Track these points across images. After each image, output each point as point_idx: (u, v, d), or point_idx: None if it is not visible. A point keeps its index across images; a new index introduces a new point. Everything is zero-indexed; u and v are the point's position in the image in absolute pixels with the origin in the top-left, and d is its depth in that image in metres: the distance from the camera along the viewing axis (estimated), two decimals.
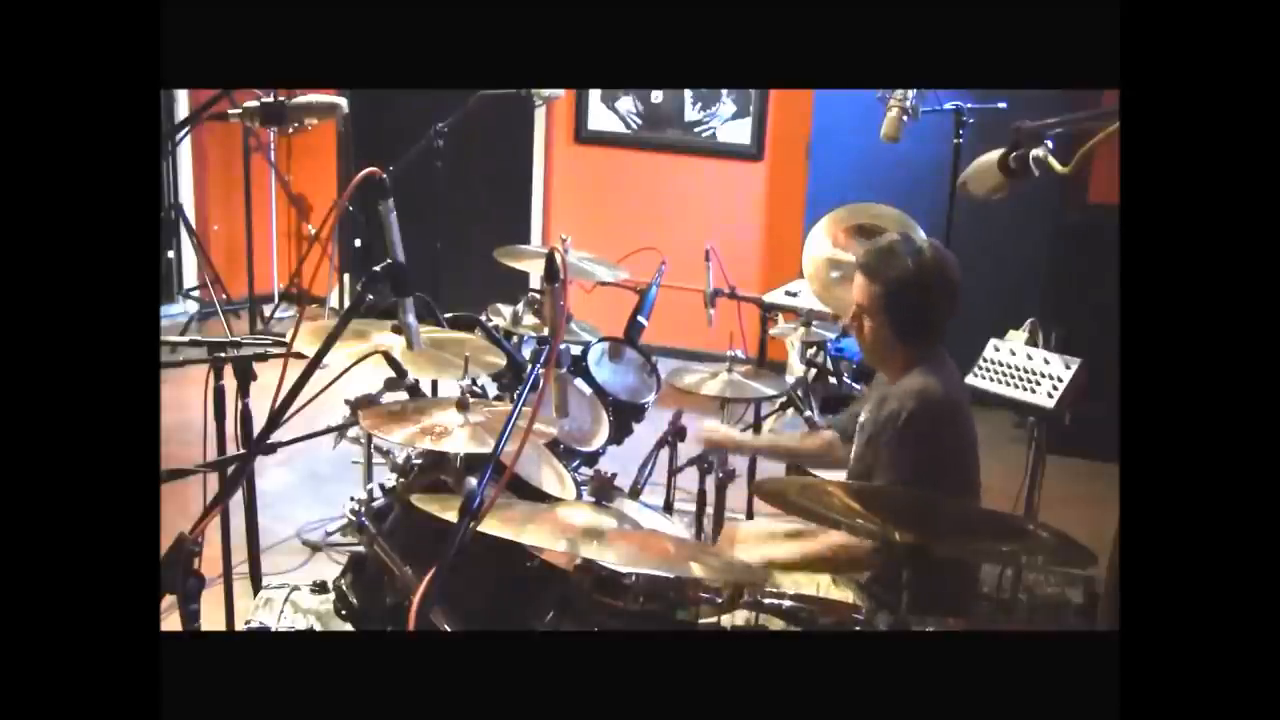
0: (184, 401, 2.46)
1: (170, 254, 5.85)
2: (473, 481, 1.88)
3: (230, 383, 2.35)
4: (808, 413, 3.26)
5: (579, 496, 2.40)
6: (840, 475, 2.84)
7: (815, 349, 3.61)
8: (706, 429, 2.88)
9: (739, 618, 2.05)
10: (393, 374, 2.13)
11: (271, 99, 2.29)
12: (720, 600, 2.01)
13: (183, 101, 5.73)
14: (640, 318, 3.23)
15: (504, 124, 5.57)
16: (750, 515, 3.51)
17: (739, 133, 5.55)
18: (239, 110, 2.31)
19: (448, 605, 1.85)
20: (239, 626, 2.38)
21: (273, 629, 2.20)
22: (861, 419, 2.42)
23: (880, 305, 2.24)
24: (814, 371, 3.59)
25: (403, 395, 2.18)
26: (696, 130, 5.62)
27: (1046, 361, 2.76)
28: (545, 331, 2.69)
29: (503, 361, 2.41)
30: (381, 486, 2.22)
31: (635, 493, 3.05)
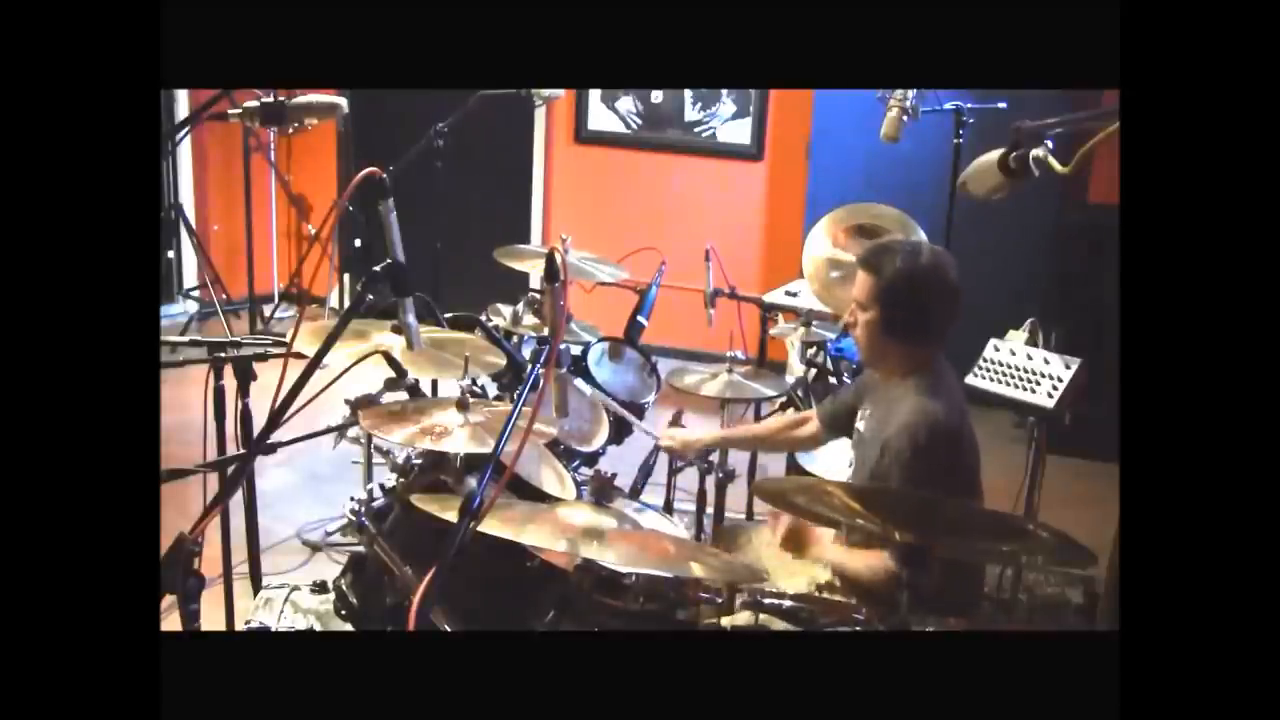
0: (184, 401, 2.46)
1: (170, 254, 5.85)
2: (473, 481, 1.88)
3: (230, 383, 2.35)
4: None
5: (579, 496, 2.40)
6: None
7: (815, 349, 3.61)
8: (664, 435, 2.88)
9: (739, 618, 2.05)
10: (393, 374, 2.13)
11: (271, 99, 2.29)
12: (720, 600, 2.01)
13: (183, 101, 5.73)
14: (640, 318, 3.23)
15: (504, 124, 5.57)
16: (750, 515, 3.52)
17: (739, 133, 5.55)
18: (239, 110, 2.31)
19: (448, 605, 1.85)
20: (239, 626, 2.38)
21: (273, 629, 2.20)
22: (860, 427, 2.40)
23: (874, 300, 2.23)
24: (814, 371, 3.59)
25: (403, 395, 2.18)
26: (696, 130, 5.62)
27: (1046, 361, 2.77)
28: (545, 331, 2.70)
29: (503, 361, 2.41)
30: (381, 486, 2.22)
31: (635, 493, 3.06)
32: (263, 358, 2.34)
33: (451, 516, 1.75)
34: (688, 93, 5.59)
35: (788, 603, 1.98)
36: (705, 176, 5.64)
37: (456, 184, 4.22)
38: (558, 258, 1.78)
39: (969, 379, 2.85)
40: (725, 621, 2.06)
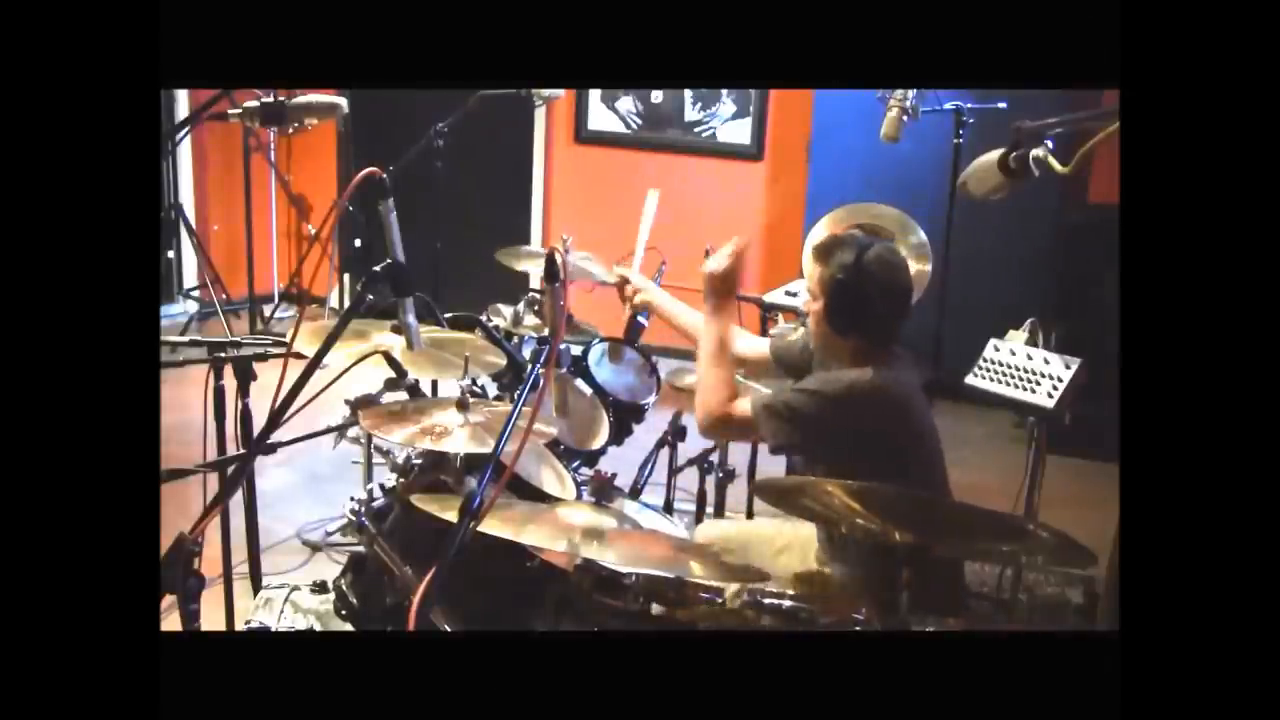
0: (184, 401, 2.46)
1: (170, 254, 5.85)
2: (473, 481, 1.88)
3: (230, 383, 2.34)
4: None
5: (579, 496, 2.40)
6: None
7: None
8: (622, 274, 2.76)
9: (739, 618, 2.05)
10: (393, 374, 2.13)
11: (271, 99, 2.30)
12: (720, 600, 2.01)
13: (183, 101, 5.73)
14: (640, 318, 3.23)
15: (504, 124, 5.57)
16: (750, 515, 3.51)
17: (739, 133, 5.55)
18: (239, 110, 2.31)
19: (448, 605, 1.85)
20: (239, 626, 2.38)
21: (273, 629, 2.20)
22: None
23: (819, 291, 2.25)
24: None
25: (403, 395, 2.18)
26: (696, 130, 5.61)
27: (1046, 361, 2.76)
28: (545, 331, 2.69)
29: (503, 361, 2.41)
30: (381, 486, 2.22)
31: (635, 493, 3.06)
32: (263, 358, 2.34)
33: (451, 516, 1.75)
34: (688, 93, 5.59)
35: (788, 603, 1.97)
36: (705, 176, 5.64)
37: (456, 184, 4.22)
38: (558, 258, 1.78)
39: (969, 379, 2.85)
40: (725, 621, 2.06)
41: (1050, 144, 1.85)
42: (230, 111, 2.34)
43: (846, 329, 2.25)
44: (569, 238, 3.21)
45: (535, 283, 3.56)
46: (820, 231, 3.25)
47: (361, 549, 2.11)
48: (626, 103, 5.69)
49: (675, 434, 3.12)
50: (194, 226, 5.73)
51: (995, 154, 1.96)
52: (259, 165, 5.88)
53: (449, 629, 1.84)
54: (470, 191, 5.60)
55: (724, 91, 5.53)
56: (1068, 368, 2.72)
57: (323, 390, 1.69)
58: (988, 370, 2.85)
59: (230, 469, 2.20)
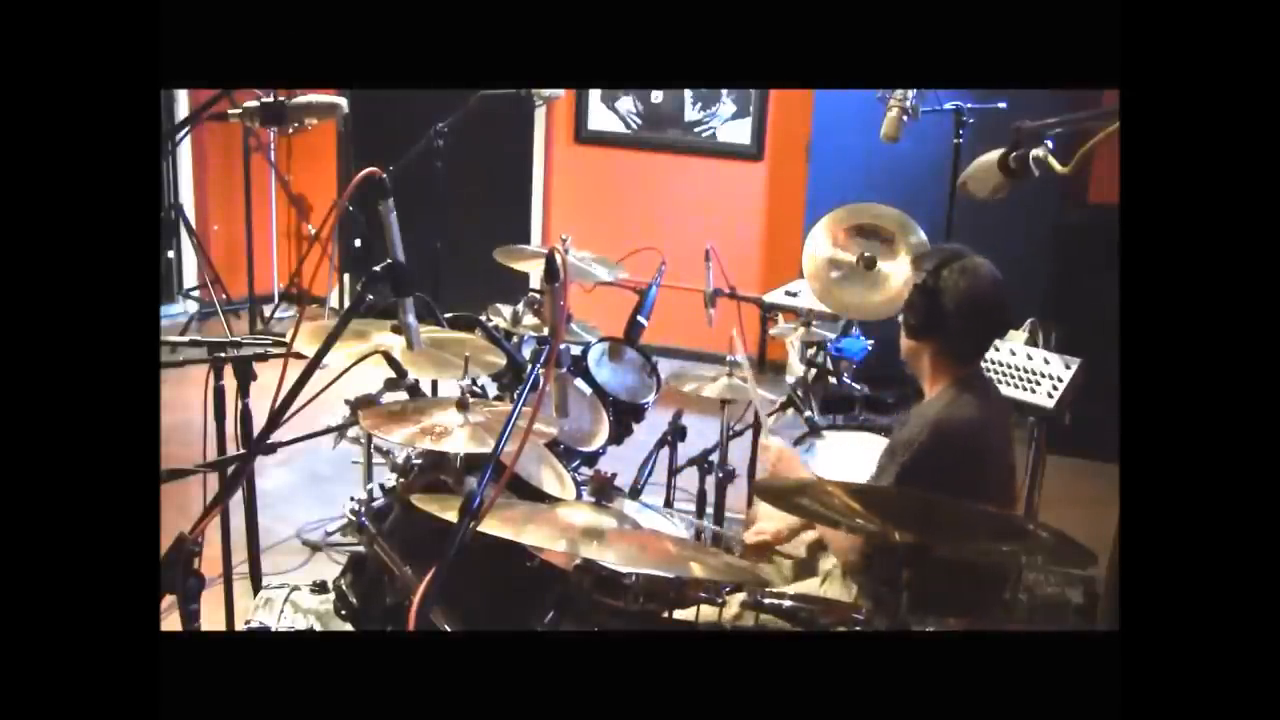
0: (184, 401, 2.46)
1: (170, 254, 5.85)
2: (473, 481, 1.88)
3: (230, 383, 2.35)
4: (807, 413, 3.26)
5: (579, 496, 2.40)
6: None
7: (815, 349, 3.61)
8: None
9: (739, 618, 2.05)
10: (393, 374, 2.13)
11: (271, 99, 2.29)
12: (720, 600, 2.01)
13: (183, 101, 5.73)
14: (640, 318, 3.23)
15: (504, 124, 5.57)
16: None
17: (739, 133, 5.55)
18: (239, 110, 2.31)
19: (448, 605, 1.85)
20: (239, 626, 2.38)
21: (273, 629, 2.20)
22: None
23: (906, 303, 2.23)
24: (814, 371, 3.59)
25: (403, 395, 2.18)
26: (696, 130, 5.61)
27: (1046, 361, 2.77)
28: (545, 331, 2.69)
29: (503, 361, 2.41)
30: (381, 486, 2.22)
31: (635, 493, 3.06)
32: (263, 358, 2.34)
33: (451, 516, 1.75)
34: (688, 93, 5.59)
35: (788, 603, 1.97)
36: (705, 176, 5.64)
37: (456, 184, 4.21)
38: (558, 258, 1.78)
39: None
40: (725, 621, 2.06)
41: (1050, 144, 1.85)
42: (230, 111, 2.33)
43: (920, 333, 2.22)
44: (569, 237, 3.20)
45: (535, 283, 3.56)
46: (820, 231, 3.25)
47: (361, 549, 2.11)
48: (626, 103, 5.69)
49: (675, 434, 3.12)
50: (194, 226, 5.73)
51: (995, 154, 1.96)
52: (259, 165, 5.88)
53: (449, 629, 1.84)
54: (470, 191, 5.59)
55: (724, 91, 5.53)
56: (1068, 368, 2.72)
57: (323, 390, 1.69)
58: (988, 370, 2.84)
59: (230, 469, 2.20)
